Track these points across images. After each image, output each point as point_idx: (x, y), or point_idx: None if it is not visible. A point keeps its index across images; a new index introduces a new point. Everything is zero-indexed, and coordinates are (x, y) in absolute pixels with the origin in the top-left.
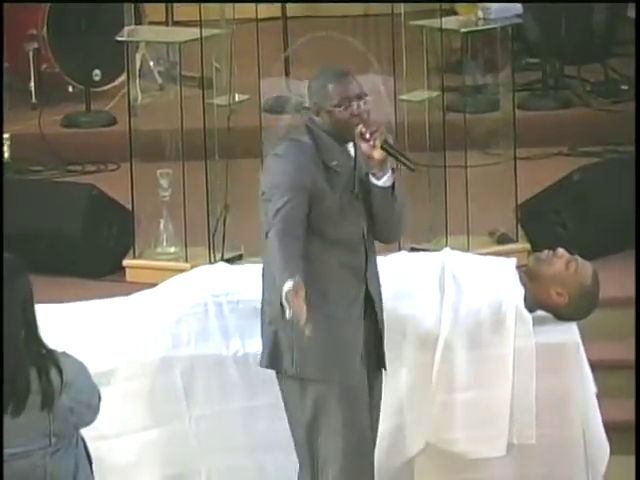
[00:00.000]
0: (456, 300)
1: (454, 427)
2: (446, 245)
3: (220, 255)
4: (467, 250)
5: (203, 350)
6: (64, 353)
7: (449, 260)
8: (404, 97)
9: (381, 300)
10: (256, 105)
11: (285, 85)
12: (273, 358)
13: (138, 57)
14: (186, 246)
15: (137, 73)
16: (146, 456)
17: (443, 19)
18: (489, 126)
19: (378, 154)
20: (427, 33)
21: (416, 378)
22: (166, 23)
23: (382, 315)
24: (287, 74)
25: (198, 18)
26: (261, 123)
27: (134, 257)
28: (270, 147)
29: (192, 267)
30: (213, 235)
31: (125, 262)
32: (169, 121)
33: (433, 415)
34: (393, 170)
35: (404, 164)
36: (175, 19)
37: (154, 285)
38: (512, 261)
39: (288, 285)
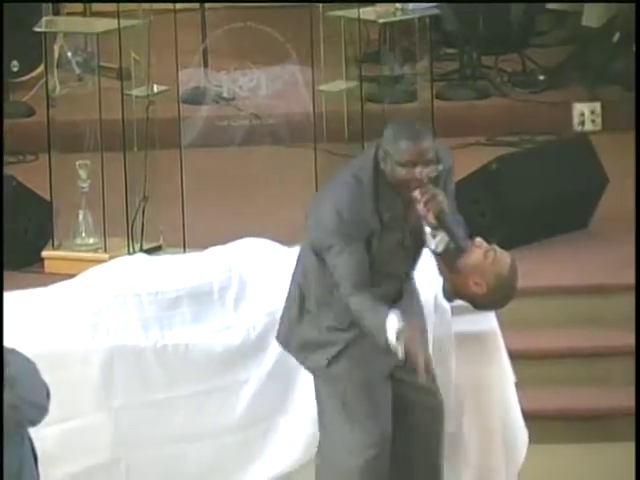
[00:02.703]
0: None
1: None
2: None
3: (139, 246)
4: None
5: (122, 341)
6: (12, 350)
7: None
8: (322, 88)
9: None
10: (174, 96)
11: (203, 76)
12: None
13: (56, 48)
14: (105, 237)
15: (55, 64)
16: (65, 447)
17: (361, 9)
18: (407, 116)
19: (432, 219)
20: (345, 23)
21: None
22: (84, 14)
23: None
24: (205, 65)
25: (116, 9)
26: (180, 114)
27: (53, 248)
28: (190, 138)
29: (111, 258)
30: (132, 226)
31: (44, 253)
32: (87, 112)
33: None
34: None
35: (454, 242)
36: (93, 10)
37: (73, 276)
38: None
39: (394, 323)
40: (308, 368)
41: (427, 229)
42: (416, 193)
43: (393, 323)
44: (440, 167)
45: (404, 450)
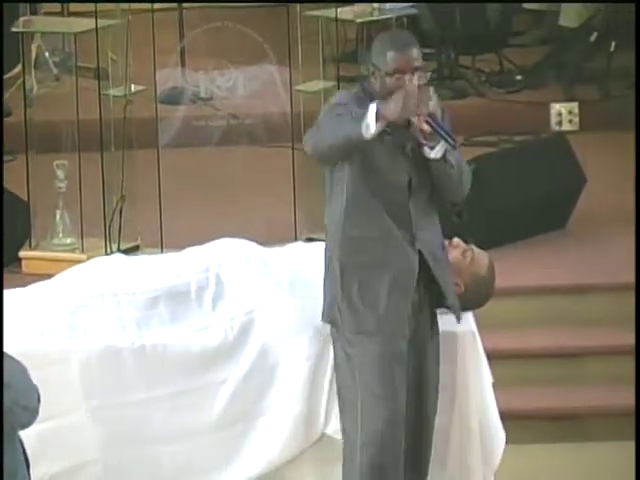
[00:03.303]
0: None
1: None
2: None
3: (116, 246)
4: None
5: (100, 341)
6: (4, 353)
7: None
8: (300, 87)
9: (439, 262)
10: (152, 96)
11: (181, 76)
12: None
13: (33, 48)
14: (82, 237)
15: (32, 64)
16: (43, 447)
17: (338, 9)
18: None
19: (426, 127)
20: (323, 23)
21: (312, 368)
22: (62, 14)
23: (445, 282)
24: (183, 65)
25: (93, 9)
26: (157, 114)
27: (30, 248)
28: (167, 138)
29: (88, 258)
30: (109, 226)
31: (21, 253)
32: (65, 112)
33: (329, 405)
34: (440, 136)
35: (445, 140)
36: (71, 10)
37: (51, 276)
38: None
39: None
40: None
41: (424, 148)
42: None
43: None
44: (428, 74)
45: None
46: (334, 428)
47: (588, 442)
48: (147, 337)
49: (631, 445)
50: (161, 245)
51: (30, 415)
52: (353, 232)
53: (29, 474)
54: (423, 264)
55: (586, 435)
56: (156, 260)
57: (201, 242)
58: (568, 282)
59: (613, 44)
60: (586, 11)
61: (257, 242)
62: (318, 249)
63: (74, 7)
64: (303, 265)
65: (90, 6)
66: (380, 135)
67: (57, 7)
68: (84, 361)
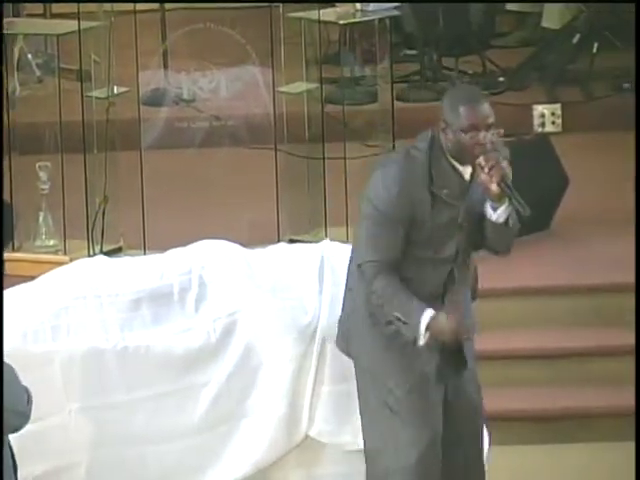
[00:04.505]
0: (335, 292)
1: (334, 419)
2: (325, 237)
3: (99, 248)
4: (346, 241)
5: (83, 343)
6: None
7: (328, 252)
8: (283, 89)
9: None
10: (135, 98)
11: (164, 77)
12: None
13: (16, 50)
14: (65, 239)
15: (15, 66)
16: (26, 449)
17: (321, 11)
18: (367, 118)
19: (495, 188)
20: (305, 25)
21: (295, 370)
22: (44, 15)
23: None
24: (165, 66)
25: (76, 10)
26: (140, 115)
27: (13, 250)
28: (150, 139)
29: (71, 260)
30: (92, 228)
31: (4, 255)
32: (48, 114)
33: (312, 407)
34: (510, 200)
35: (516, 208)
36: (53, 11)
37: (33, 278)
38: None
39: (428, 314)
40: (350, 355)
41: (487, 207)
42: (480, 159)
43: (427, 315)
44: (502, 131)
45: (453, 450)
46: (318, 430)
47: (573, 443)
48: (130, 339)
49: (629, 446)
50: (144, 247)
51: (21, 418)
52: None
53: (16, 478)
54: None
55: (571, 437)
56: (139, 262)
57: (184, 244)
58: (552, 283)
59: (595, 45)
60: (569, 13)
61: (240, 243)
62: (301, 250)
63: (57, 9)
64: (286, 266)
65: (73, 8)
66: (434, 206)
67: (39, 9)
68: (67, 362)
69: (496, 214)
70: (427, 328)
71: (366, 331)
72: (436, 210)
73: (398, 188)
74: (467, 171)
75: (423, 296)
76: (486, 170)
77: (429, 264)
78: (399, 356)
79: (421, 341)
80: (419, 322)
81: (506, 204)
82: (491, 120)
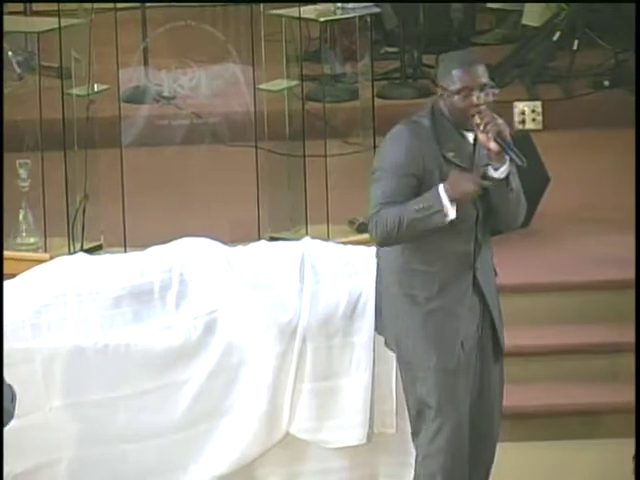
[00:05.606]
0: (315, 289)
1: (315, 416)
2: (306, 234)
3: (80, 245)
4: (327, 239)
5: (63, 341)
6: None
7: (309, 249)
8: (263, 86)
9: (492, 290)
10: (115, 95)
11: (144, 75)
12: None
13: None
14: (45, 236)
15: None
16: (6, 447)
17: (302, 8)
18: (348, 115)
19: (494, 146)
20: (286, 22)
21: (276, 368)
22: (24, 13)
23: (495, 306)
24: (146, 64)
25: (56, 8)
26: (120, 113)
27: None
28: (130, 137)
29: (52, 257)
30: (72, 225)
31: None
32: (28, 111)
33: (293, 405)
34: (511, 160)
35: (513, 160)
36: (33, 9)
37: (14, 276)
38: (372, 250)
39: (441, 185)
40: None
41: (488, 168)
42: (475, 118)
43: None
44: (496, 91)
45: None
46: (298, 427)
47: (565, 440)
48: (111, 336)
49: (629, 442)
50: (124, 244)
51: (6, 417)
52: (414, 266)
53: (2, 477)
54: (477, 290)
55: (562, 434)
56: (119, 259)
57: (164, 241)
58: (531, 281)
59: (576, 43)
60: (549, 10)
61: (221, 241)
62: (282, 248)
63: (37, 6)
64: (267, 264)
65: (53, 5)
66: (443, 169)
67: (20, 6)
68: (48, 360)
69: (497, 172)
70: (450, 199)
71: (396, 302)
72: (446, 171)
73: (408, 142)
74: (470, 136)
75: (453, 267)
76: (482, 128)
77: (454, 231)
78: (432, 333)
79: (451, 214)
80: (438, 194)
81: (506, 165)
82: (484, 80)
